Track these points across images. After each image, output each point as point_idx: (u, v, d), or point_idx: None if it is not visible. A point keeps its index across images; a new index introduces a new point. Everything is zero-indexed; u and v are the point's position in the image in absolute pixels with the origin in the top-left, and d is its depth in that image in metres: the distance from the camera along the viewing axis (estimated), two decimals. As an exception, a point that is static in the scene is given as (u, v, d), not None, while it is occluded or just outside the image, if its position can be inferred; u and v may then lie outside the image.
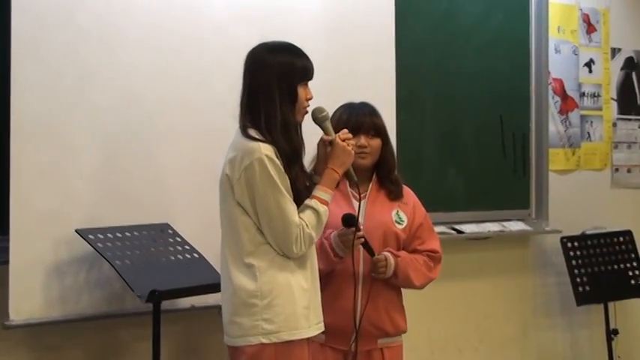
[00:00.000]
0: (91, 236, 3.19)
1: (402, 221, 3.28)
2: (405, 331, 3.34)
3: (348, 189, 3.23)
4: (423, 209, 3.38)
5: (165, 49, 3.53)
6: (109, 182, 3.40)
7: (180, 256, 3.37)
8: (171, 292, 3.24)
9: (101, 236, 3.22)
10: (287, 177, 2.80)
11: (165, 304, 3.24)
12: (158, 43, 3.52)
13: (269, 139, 2.79)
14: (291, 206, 2.80)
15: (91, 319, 3.35)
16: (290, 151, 2.81)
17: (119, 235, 3.27)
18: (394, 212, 3.27)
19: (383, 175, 3.29)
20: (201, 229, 3.35)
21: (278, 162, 2.78)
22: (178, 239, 3.42)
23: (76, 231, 3.19)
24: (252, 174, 2.76)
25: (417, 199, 3.38)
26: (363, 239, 3.12)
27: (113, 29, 3.43)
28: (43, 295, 3.23)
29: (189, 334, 3.67)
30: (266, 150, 2.77)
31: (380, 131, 3.26)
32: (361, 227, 3.13)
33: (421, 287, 3.35)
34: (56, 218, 3.26)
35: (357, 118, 3.22)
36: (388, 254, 3.21)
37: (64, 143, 3.31)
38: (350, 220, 3.10)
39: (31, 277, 3.21)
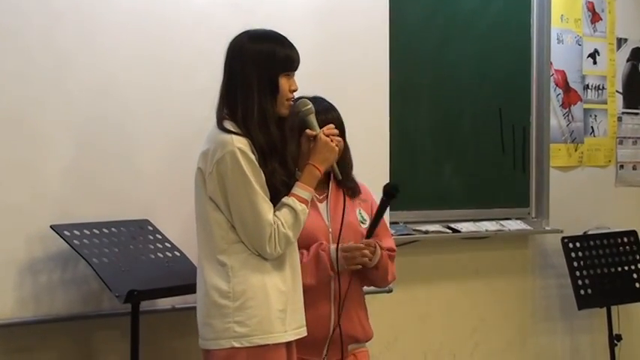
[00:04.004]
0: (66, 232, 3.21)
1: (365, 220, 3.31)
2: (372, 337, 3.38)
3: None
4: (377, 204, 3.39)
5: (146, 35, 3.56)
6: (86, 175, 3.42)
7: (160, 254, 3.39)
8: (151, 292, 3.27)
9: (77, 232, 3.24)
10: (262, 172, 2.82)
11: (145, 305, 3.27)
12: (138, 29, 3.54)
13: (244, 131, 2.81)
14: (264, 204, 2.82)
15: (66, 319, 3.37)
16: (266, 145, 2.82)
17: (96, 231, 3.29)
18: (357, 212, 3.30)
19: (342, 174, 3.23)
20: (183, 226, 3.38)
21: (252, 156, 2.80)
22: (159, 236, 3.45)
23: (51, 227, 3.21)
24: (224, 168, 2.79)
25: (372, 195, 3.40)
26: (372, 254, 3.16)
27: (91, 14, 3.44)
28: (16, 295, 3.25)
29: (170, 336, 3.70)
30: (239, 143, 2.79)
31: (342, 128, 3.24)
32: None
33: (387, 284, 3.40)
34: (29, 214, 3.28)
35: (325, 115, 3.17)
36: (378, 244, 3.23)
37: (37, 134, 3.33)
38: (394, 190, 3.13)
39: (3, 276, 3.23)
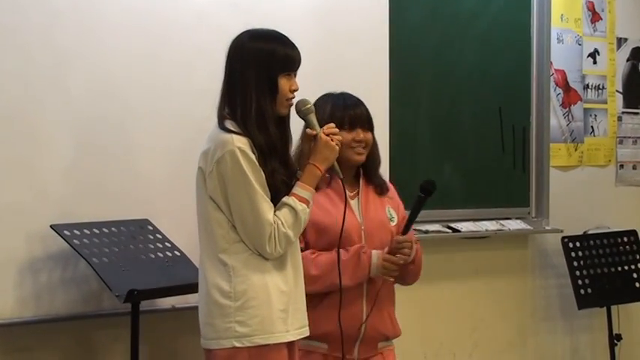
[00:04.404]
0: (66, 232, 3.22)
1: (394, 218, 3.32)
2: (400, 335, 3.40)
3: (343, 187, 3.22)
4: (402, 203, 3.42)
5: (146, 34, 3.56)
6: (86, 175, 3.43)
7: (160, 254, 3.40)
8: (151, 292, 3.28)
9: (77, 232, 3.25)
10: (262, 172, 2.82)
11: (145, 305, 3.28)
12: (139, 29, 3.55)
13: (244, 131, 2.81)
14: (264, 203, 2.82)
15: (67, 319, 3.38)
16: (265, 145, 2.82)
17: (96, 231, 3.30)
18: (386, 209, 3.31)
19: (371, 170, 3.31)
20: (183, 226, 3.38)
21: (252, 156, 2.79)
22: (159, 236, 3.46)
23: (51, 226, 3.22)
24: (224, 167, 2.79)
25: (397, 193, 3.43)
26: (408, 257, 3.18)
27: (91, 13, 3.45)
28: (16, 294, 3.26)
29: (169, 335, 3.70)
30: (239, 142, 2.79)
31: (372, 124, 3.29)
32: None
33: (416, 281, 3.40)
34: (29, 213, 3.29)
35: (354, 110, 3.23)
36: (413, 239, 3.24)
37: (37, 133, 3.34)
38: (431, 187, 3.17)
39: (3, 275, 3.24)
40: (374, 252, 3.17)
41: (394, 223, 3.31)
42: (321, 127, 2.97)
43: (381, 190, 3.33)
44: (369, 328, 3.21)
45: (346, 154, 3.19)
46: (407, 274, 3.29)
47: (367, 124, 3.26)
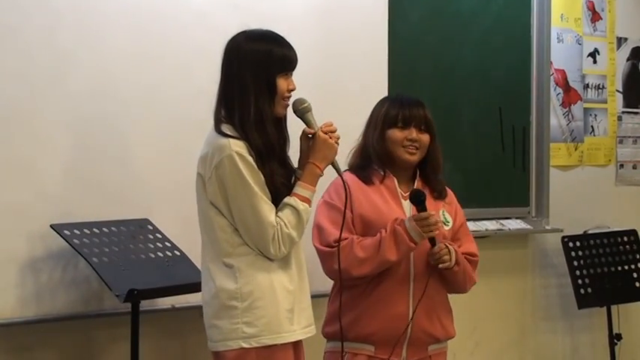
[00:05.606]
0: (66, 232, 3.23)
1: (448, 222, 3.30)
2: (453, 336, 3.37)
3: (396, 186, 3.25)
4: (461, 210, 3.41)
5: (145, 35, 3.57)
6: (86, 175, 3.44)
7: (160, 254, 3.41)
8: (151, 292, 3.29)
9: (77, 232, 3.25)
10: (261, 174, 2.81)
11: (145, 304, 3.29)
12: (138, 29, 3.56)
13: (241, 134, 2.81)
14: (265, 205, 2.82)
15: (67, 319, 3.38)
16: (263, 147, 2.82)
17: (96, 230, 3.31)
18: (440, 212, 3.28)
19: (429, 173, 3.29)
20: (183, 225, 3.39)
21: (250, 159, 2.79)
22: (159, 235, 3.46)
23: (51, 226, 3.23)
24: (223, 172, 2.79)
25: (456, 199, 3.41)
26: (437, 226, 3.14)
27: (91, 13, 3.46)
28: (16, 294, 3.27)
29: (169, 335, 3.71)
30: (236, 146, 2.79)
31: (430, 126, 3.27)
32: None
33: (468, 288, 3.37)
34: (29, 213, 3.30)
35: (410, 110, 3.24)
36: (446, 243, 3.21)
37: (38, 133, 3.35)
38: (419, 196, 3.14)
39: (3, 275, 3.25)
40: (405, 219, 3.15)
41: (448, 228, 3.28)
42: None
43: (438, 194, 3.30)
44: (416, 329, 3.19)
45: (397, 152, 3.23)
46: (454, 277, 3.26)
47: (424, 125, 3.25)
